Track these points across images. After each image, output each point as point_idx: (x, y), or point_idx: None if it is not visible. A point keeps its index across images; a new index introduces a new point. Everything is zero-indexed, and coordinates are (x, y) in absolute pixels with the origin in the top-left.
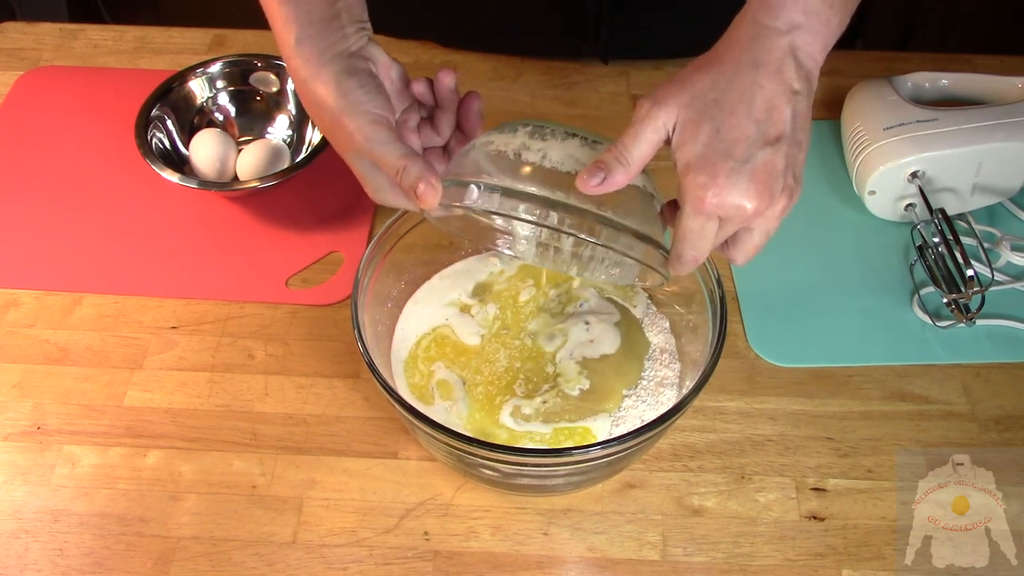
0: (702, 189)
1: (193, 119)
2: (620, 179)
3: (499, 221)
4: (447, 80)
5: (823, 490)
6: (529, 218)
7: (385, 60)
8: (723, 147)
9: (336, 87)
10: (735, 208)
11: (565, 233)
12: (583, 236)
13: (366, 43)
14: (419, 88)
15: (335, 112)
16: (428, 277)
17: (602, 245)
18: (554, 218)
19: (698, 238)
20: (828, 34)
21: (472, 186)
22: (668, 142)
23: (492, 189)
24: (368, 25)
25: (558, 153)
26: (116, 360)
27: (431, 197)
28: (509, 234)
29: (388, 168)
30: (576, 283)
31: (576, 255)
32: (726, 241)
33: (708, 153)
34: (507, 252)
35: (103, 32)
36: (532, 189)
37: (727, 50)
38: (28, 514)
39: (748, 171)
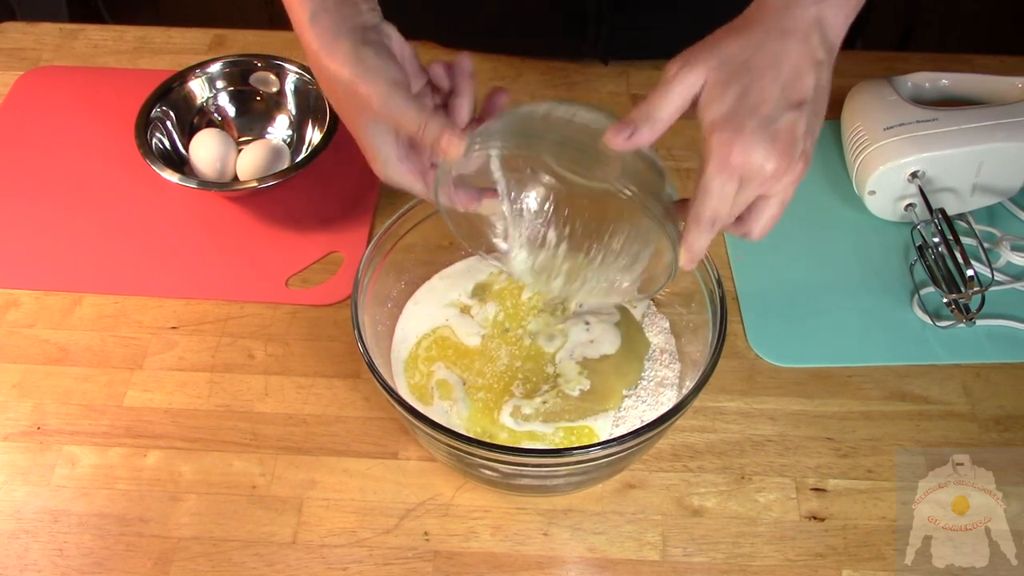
0: (727, 146)
1: (193, 119)
2: (646, 136)
3: (506, 213)
4: (466, 64)
5: (823, 490)
6: (555, 165)
7: (398, 39)
8: (750, 106)
9: (352, 54)
10: (757, 168)
11: (592, 182)
12: (609, 184)
13: (379, 22)
14: (437, 71)
15: (350, 79)
16: (428, 277)
17: (629, 193)
18: (580, 163)
19: (718, 198)
20: (851, 8)
21: (498, 132)
22: (694, 105)
23: (519, 134)
24: (379, 9)
25: (585, 116)
26: (116, 360)
27: (456, 147)
28: (509, 236)
29: (409, 124)
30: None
31: (574, 251)
32: (740, 218)
33: (735, 112)
34: (499, 264)
35: (103, 32)
36: (558, 137)
37: (757, 16)
38: (28, 514)
39: (772, 132)
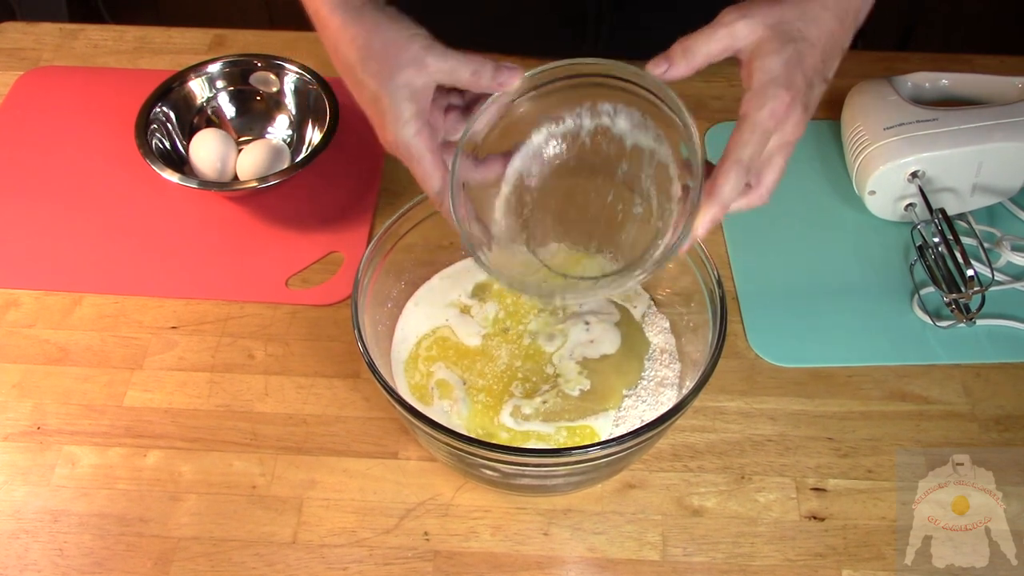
0: (783, 96)
1: (193, 119)
2: (682, 69)
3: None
4: (509, 77)
5: (823, 490)
6: (610, 70)
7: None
8: (802, 70)
9: (383, 17)
10: (791, 128)
11: (637, 79)
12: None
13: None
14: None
15: (387, 36)
16: (428, 277)
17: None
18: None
19: (758, 143)
20: (870, 7)
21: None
22: (736, 57)
23: (572, 63)
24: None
25: None
26: (116, 360)
27: (517, 76)
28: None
29: (461, 68)
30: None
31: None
32: (748, 184)
33: (792, 70)
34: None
35: (103, 32)
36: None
37: None
38: (28, 514)
39: (809, 97)
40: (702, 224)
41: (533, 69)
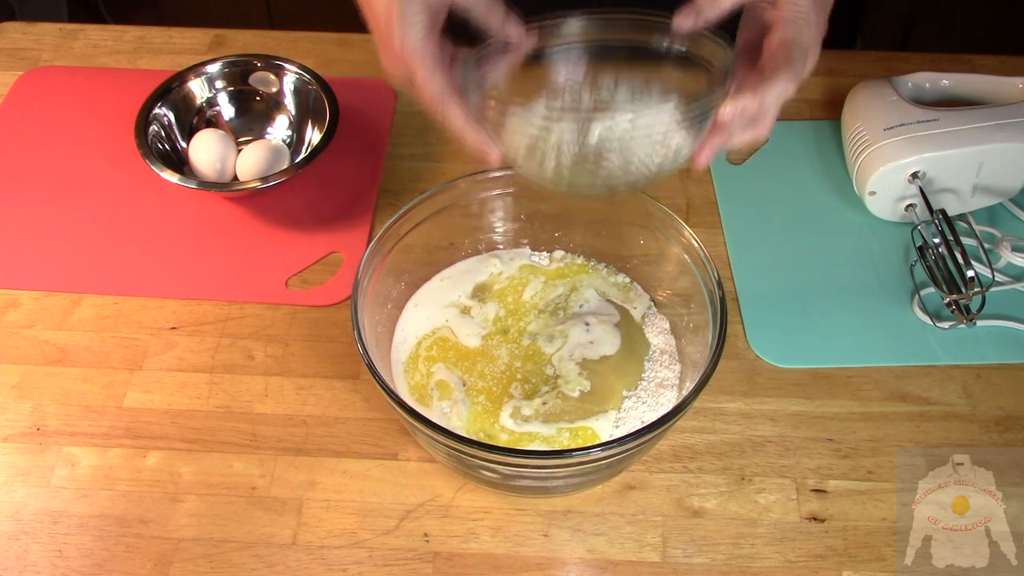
0: (813, 32)
1: (193, 119)
2: (710, 16)
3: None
4: (516, 32)
5: (823, 491)
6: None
7: None
8: (824, 11)
9: None
10: (809, 65)
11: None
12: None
13: None
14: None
15: None
16: (428, 278)
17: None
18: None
19: (803, 66)
20: None
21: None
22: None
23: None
24: None
25: None
26: (116, 361)
27: (522, 35)
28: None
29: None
30: (579, 281)
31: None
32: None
33: (817, 10)
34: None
35: (103, 32)
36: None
37: None
38: (27, 515)
39: (819, 44)
40: (741, 102)
41: (543, 22)
